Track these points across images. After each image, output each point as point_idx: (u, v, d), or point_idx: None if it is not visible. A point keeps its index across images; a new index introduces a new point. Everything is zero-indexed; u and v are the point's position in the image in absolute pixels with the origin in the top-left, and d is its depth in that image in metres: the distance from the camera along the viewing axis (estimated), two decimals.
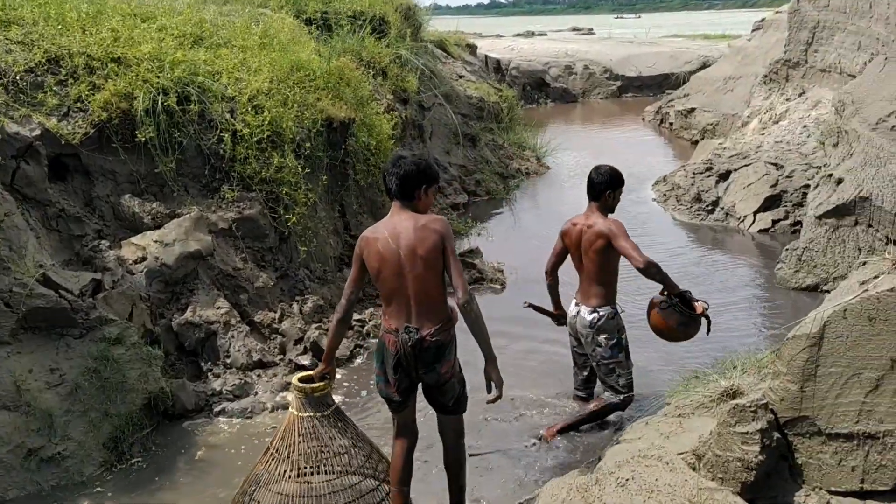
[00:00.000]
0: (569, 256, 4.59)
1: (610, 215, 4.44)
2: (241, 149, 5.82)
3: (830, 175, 7.28)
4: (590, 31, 70.98)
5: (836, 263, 6.65)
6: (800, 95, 10.70)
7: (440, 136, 10.82)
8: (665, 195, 9.87)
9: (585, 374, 4.72)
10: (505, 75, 20.28)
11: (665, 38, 31.49)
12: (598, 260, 4.35)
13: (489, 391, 3.30)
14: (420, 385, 3.38)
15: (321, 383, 3.43)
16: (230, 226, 5.76)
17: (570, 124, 17.95)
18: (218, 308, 5.33)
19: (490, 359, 3.27)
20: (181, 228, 5.40)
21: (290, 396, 3.63)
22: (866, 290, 2.92)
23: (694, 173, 9.67)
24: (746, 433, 2.93)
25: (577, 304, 4.53)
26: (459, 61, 15.87)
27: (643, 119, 17.33)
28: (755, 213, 8.63)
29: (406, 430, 3.48)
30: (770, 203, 8.64)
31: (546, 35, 64.60)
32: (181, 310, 5.24)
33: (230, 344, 5.24)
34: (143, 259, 5.21)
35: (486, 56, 19.51)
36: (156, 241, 5.29)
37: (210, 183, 5.89)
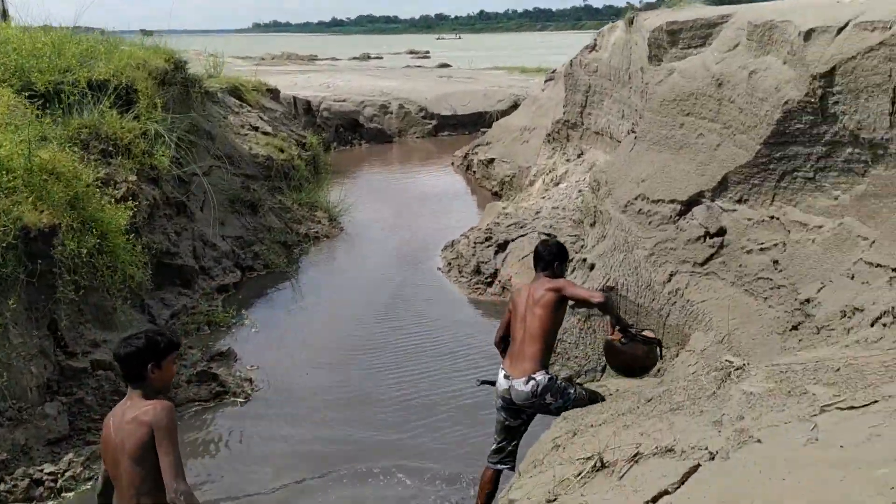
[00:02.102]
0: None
1: None
2: None
3: (584, 259, 7.28)
4: (426, 54, 72.11)
5: (588, 356, 6.59)
6: (578, 156, 10.91)
7: (215, 206, 10.04)
8: (450, 264, 9.65)
9: (503, 444, 4.52)
10: (316, 117, 19.73)
11: (485, 71, 32.21)
12: (543, 316, 4.29)
13: None
14: None
15: None
16: None
17: (381, 168, 17.63)
18: None
19: None
20: None
21: None
22: None
23: (475, 242, 9.52)
24: None
25: (506, 377, 4.35)
26: (257, 109, 15.11)
27: (453, 164, 17.32)
28: None
29: None
30: None
31: (382, 58, 64.87)
32: None
33: None
34: None
35: (294, 98, 18.89)
36: None
37: None
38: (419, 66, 44.50)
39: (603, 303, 4.32)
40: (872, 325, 3.27)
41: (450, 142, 21.19)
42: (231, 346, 7.33)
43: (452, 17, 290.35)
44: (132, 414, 2.99)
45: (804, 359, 3.46)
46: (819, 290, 5.09)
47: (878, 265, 4.78)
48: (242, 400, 6.42)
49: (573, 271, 7.42)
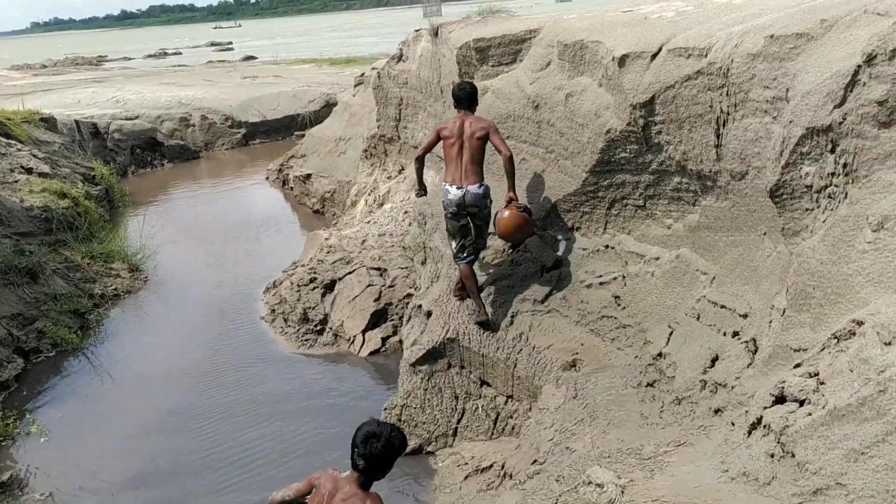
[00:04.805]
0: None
1: None
2: None
3: (420, 306, 6.68)
4: (229, 46, 68.43)
5: (437, 420, 6.02)
6: (399, 172, 10.29)
7: None
8: (273, 311, 8.70)
9: (462, 241, 5.93)
10: (106, 140, 17.67)
11: (293, 67, 30.77)
12: (479, 146, 5.68)
13: None
14: None
15: None
16: None
17: (188, 190, 16.07)
18: None
19: None
20: None
21: None
22: None
23: (299, 285, 8.64)
24: None
25: (458, 187, 5.73)
26: (30, 146, 13.12)
27: (268, 178, 16.12)
28: (364, 333, 7.86)
29: None
30: (377, 318, 7.93)
31: (181, 54, 60.71)
32: None
33: None
34: None
35: (76, 123, 16.74)
36: None
37: None
38: (222, 61, 41.90)
39: (509, 157, 5.52)
40: (749, 434, 2.89)
41: (262, 150, 19.84)
42: (14, 469, 6.03)
43: (253, 1, 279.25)
44: (348, 503, 3.15)
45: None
46: (668, 338, 4.81)
47: (724, 307, 4.55)
48: None
49: (408, 320, 6.81)
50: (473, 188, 5.70)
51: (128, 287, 10.03)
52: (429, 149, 6.01)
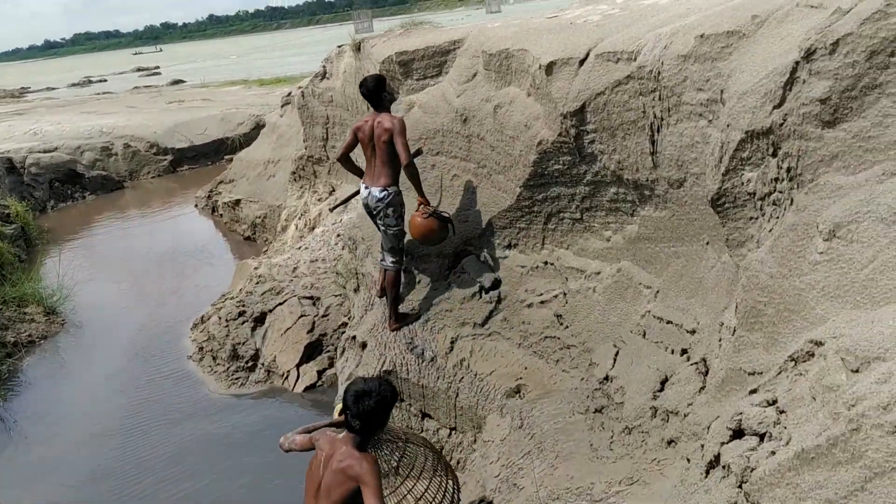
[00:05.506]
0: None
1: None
2: None
3: (354, 337, 6.28)
4: (156, 70, 66.70)
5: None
6: (330, 194, 9.87)
7: None
8: (202, 349, 8.16)
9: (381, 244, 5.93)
10: (23, 175, 16.74)
11: (221, 89, 29.99)
12: (386, 148, 5.46)
13: None
14: None
15: None
16: None
17: (111, 223, 15.30)
18: None
19: None
20: None
21: None
22: None
23: (228, 319, 8.12)
24: None
25: (366, 187, 5.69)
26: None
27: (196, 205, 15.46)
28: (298, 367, 7.40)
29: None
30: (312, 351, 7.49)
31: (107, 80, 58.81)
32: None
33: None
34: None
35: None
36: None
37: None
38: (149, 87, 40.65)
39: (407, 165, 5.37)
40: (707, 474, 2.60)
41: (191, 176, 19.13)
42: None
43: (180, 24, 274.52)
44: (344, 464, 3.12)
45: None
46: (615, 359, 4.53)
47: (670, 322, 4.29)
48: None
49: (343, 353, 6.40)
50: (375, 190, 5.62)
51: (43, 332, 9.34)
52: (348, 150, 5.86)
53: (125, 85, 44.07)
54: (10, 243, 11.86)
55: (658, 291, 4.54)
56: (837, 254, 2.68)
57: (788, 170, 3.02)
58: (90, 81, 58.90)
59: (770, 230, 3.12)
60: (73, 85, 56.02)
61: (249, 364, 7.66)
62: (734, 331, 3.11)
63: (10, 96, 47.40)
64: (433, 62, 6.74)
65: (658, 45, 4.21)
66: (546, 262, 5.61)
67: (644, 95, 4.31)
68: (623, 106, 4.46)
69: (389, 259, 5.87)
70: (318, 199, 9.88)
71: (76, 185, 17.67)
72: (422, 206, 5.60)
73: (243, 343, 7.82)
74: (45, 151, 17.73)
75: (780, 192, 3.09)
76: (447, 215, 5.75)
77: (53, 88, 52.69)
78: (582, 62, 4.76)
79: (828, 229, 2.72)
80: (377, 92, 5.61)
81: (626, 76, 4.38)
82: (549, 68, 4.92)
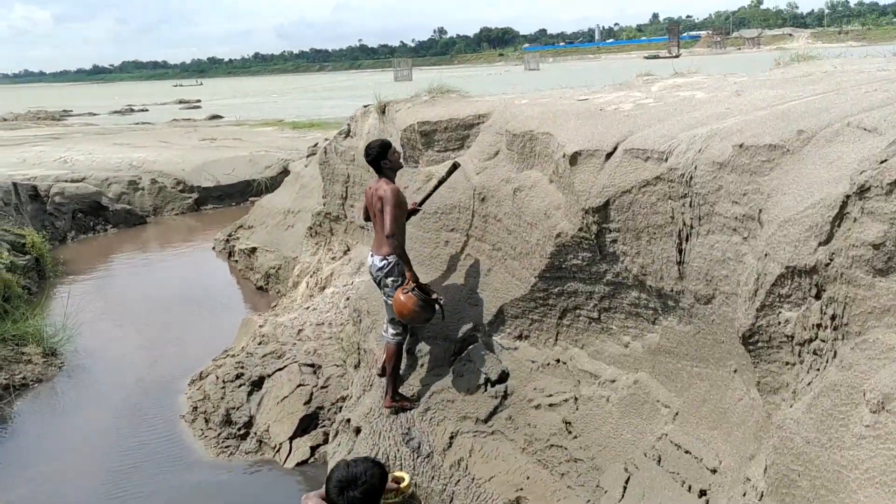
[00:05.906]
0: None
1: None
2: None
3: (348, 420, 5.91)
4: (196, 104, 67.93)
5: None
6: (345, 253, 9.60)
7: None
8: (195, 409, 7.80)
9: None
10: (46, 204, 16.77)
11: (255, 129, 30.27)
12: (382, 218, 5.28)
13: None
14: None
15: None
16: None
17: (129, 260, 15.18)
18: None
19: None
20: None
21: None
22: None
23: (225, 380, 7.78)
24: None
25: (371, 255, 5.56)
26: None
27: (214, 248, 15.30)
28: (291, 440, 7.01)
29: None
30: (307, 424, 7.09)
31: (148, 110, 60.07)
32: None
33: None
34: None
35: (14, 185, 15.84)
36: None
37: None
38: (188, 119, 41.32)
39: (389, 236, 5.24)
40: None
41: (214, 215, 19.06)
42: None
43: (226, 60, 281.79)
44: None
45: None
46: (625, 487, 4.09)
47: (688, 452, 3.87)
48: None
49: (336, 436, 6.02)
50: (376, 259, 5.50)
51: (39, 375, 9.05)
52: (365, 212, 5.82)
53: (165, 116, 44.85)
54: (22, 275, 11.73)
55: (677, 413, 4.12)
56: (886, 431, 2.28)
57: (833, 317, 2.64)
58: (132, 110, 60.16)
59: (809, 383, 2.72)
60: (115, 112, 57.24)
61: (242, 432, 7.28)
62: (762, 496, 2.69)
63: (50, 118, 48.49)
64: (456, 135, 6.49)
65: (692, 148, 3.88)
66: (558, 360, 5.22)
67: (674, 200, 3.97)
68: (650, 208, 4.12)
69: (391, 331, 5.62)
70: (332, 258, 9.61)
71: (99, 217, 17.66)
72: (405, 282, 5.35)
73: (237, 408, 7.45)
74: (72, 181, 17.81)
75: (823, 340, 2.70)
76: (435, 296, 5.44)
77: (95, 114, 53.81)
78: (609, 156, 4.44)
79: (876, 399, 2.33)
80: (378, 158, 5.47)
81: (655, 177, 4.05)
82: (574, 158, 4.62)
